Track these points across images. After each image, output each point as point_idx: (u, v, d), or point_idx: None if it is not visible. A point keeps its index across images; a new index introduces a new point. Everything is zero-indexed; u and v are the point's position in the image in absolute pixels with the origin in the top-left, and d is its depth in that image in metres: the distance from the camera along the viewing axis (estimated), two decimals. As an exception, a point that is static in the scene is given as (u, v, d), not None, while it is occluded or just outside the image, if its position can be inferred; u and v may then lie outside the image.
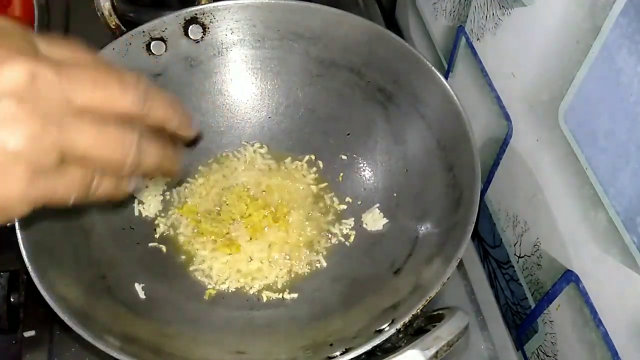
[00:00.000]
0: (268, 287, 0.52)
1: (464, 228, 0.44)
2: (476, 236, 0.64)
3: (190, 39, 0.56)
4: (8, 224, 0.46)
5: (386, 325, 0.41)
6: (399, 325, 0.41)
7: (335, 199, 0.57)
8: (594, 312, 0.44)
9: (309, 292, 0.52)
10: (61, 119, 0.29)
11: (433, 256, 0.47)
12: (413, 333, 0.43)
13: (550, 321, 0.50)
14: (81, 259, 0.48)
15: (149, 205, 0.55)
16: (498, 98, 0.55)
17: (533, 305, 0.53)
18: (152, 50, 0.55)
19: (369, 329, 0.43)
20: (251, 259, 0.53)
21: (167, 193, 0.57)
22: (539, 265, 0.52)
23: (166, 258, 0.53)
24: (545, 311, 0.51)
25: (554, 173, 0.47)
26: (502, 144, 0.55)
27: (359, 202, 0.57)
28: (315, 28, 0.56)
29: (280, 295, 0.52)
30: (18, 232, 0.43)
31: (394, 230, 0.54)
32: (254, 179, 0.58)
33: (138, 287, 0.50)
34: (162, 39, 0.55)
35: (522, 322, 0.56)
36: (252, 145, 0.60)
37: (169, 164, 0.36)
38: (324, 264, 0.54)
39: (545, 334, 0.52)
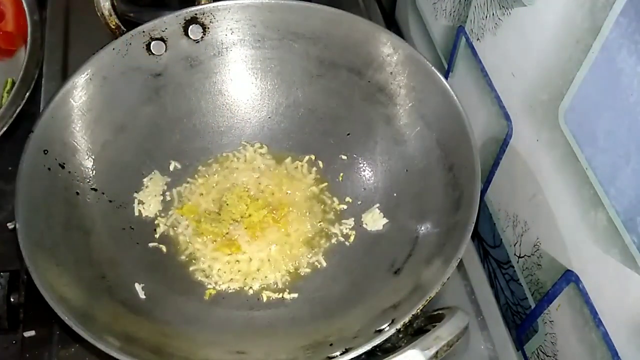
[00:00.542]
0: (268, 287, 0.52)
1: (464, 228, 0.44)
2: (476, 236, 0.64)
3: (190, 39, 0.56)
4: (8, 224, 0.46)
5: (386, 325, 0.42)
6: (399, 325, 0.41)
7: (335, 199, 0.57)
8: (594, 312, 0.44)
9: (309, 292, 0.52)
10: None
11: (433, 256, 0.47)
12: (413, 333, 0.43)
13: (550, 321, 0.50)
14: (81, 259, 0.48)
15: (149, 205, 0.55)
16: (498, 98, 0.55)
17: (533, 305, 0.53)
18: (152, 50, 0.55)
19: (369, 329, 0.43)
20: (251, 259, 0.53)
21: (167, 193, 0.57)
22: (539, 265, 0.52)
23: (166, 258, 0.53)
24: (545, 311, 0.51)
25: (554, 173, 0.47)
26: (502, 144, 0.55)
27: (359, 202, 0.57)
28: (315, 28, 0.56)
29: (280, 295, 0.52)
30: (18, 232, 0.43)
31: (394, 230, 0.54)
32: (254, 179, 0.58)
33: (138, 287, 0.50)
34: (162, 39, 0.55)
35: (522, 322, 0.56)
36: (252, 145, 0.60)
37: None
38: (324, 264, 0.54)
39: (545, 334, 0.51)
